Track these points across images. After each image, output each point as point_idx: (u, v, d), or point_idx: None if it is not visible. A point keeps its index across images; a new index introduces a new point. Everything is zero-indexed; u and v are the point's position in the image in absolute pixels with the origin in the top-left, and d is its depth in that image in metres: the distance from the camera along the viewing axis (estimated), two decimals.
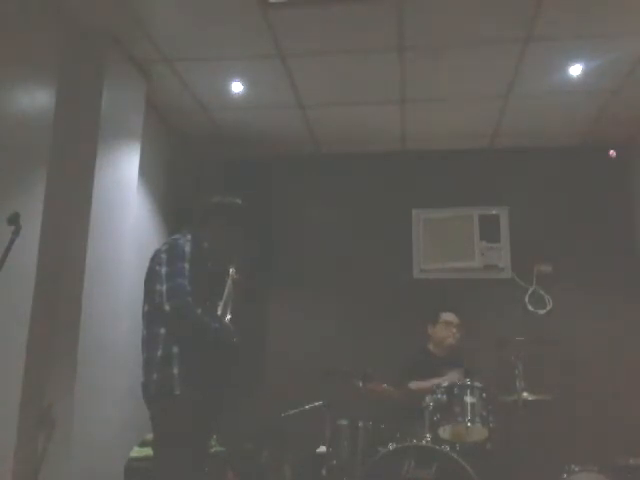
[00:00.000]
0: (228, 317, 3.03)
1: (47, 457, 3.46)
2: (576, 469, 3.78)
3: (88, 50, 3.97)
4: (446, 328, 4.51)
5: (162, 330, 2.89)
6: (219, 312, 3.01)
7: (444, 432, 3.76)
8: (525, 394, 3.83)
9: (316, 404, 4.11)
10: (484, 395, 3.80)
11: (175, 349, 2.86)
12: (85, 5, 3.78)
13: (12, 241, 2.46)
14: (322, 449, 4.00)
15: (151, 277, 2.99)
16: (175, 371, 2.83)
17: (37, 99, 3.60)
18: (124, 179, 4.23)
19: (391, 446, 3.65)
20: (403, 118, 5.18)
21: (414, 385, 4.15)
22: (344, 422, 3.96)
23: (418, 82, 4.62)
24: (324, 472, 3.90)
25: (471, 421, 3.71)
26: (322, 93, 4.82)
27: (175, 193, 5.36)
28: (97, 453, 3.69)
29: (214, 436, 4.31)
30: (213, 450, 4.33)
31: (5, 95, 3.34)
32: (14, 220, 2.46)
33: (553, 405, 4.02)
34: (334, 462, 3.89)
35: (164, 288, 2.87)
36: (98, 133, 3.91)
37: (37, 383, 3.45)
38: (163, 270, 2.92)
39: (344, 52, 4.27)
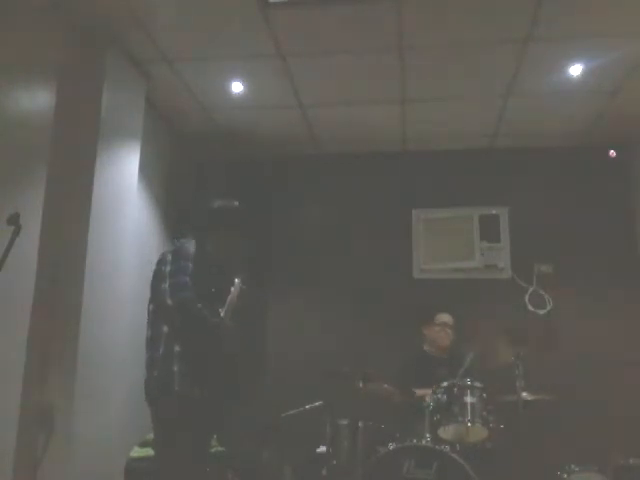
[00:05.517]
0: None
1: (47, 457, 3.46)
2: (576, 469, 3.78)
3: (88, 50, 3.96)
4: (441, 329, 4.52)
5: (165, 329, 2.96)
6: (222, 314, 3.04)
7: (444, 432, 3.76)
8: (525, 394, 3.83)
9: (316, 404, 4.11)
10: (484, 395, 3.80)
11: (177, 347, 2.92)
12: (85, 5, 3.78)
13: (12, 241, 2.46)
14: (322, 449, 4.00)
15: (157, 277, 3.06)
16: (175, 368, 2.89)
17: (37, 99, 3.60)
18: (124, 179, 4.23)
19: (391, 446, 3.65)
20: (403, 118, 5.18)
21: (419, 392, 4.14)
22: (344, 422, 3.96)
23: (418, 82, 4.62)
24: (324, 472, 3.90)
25: (471, 421, 3.71)
26: (322, 93, 4.82)
27: (175, 193, 5.36)
28: (97, 453, 3.69)
29: (214, 436, 4.32)
30: (213, 450, 4.34)
31: (5, 95, 3.34)
32: (14, 220, 2.46)
33: (553, 405, 4.02)
34: (334, 462, 3.89)
35: (167, 285, 2.94)
36: (98, 133, 3.91)
37: (37, 383, 3.45)
38: (167, 269, 3.00)
39: (344, 52, 4.27)
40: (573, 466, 3.80)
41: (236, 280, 3.16)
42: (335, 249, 5.56)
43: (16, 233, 2.46)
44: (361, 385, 3.86)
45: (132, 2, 3.77)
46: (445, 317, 4.57)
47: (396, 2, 3.76)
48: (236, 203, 3.31)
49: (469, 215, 5.53)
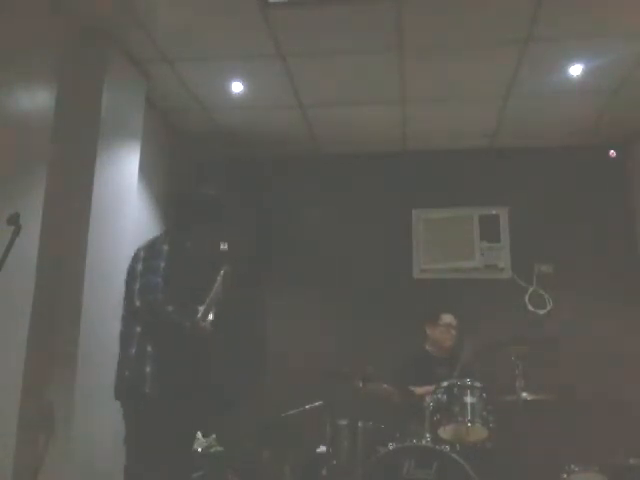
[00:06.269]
0: (210, 318, 2.93)
1: (47, 457, 3.46)
2: (576, 469, 3.78)
3: (88, 50, 3.97)
4: (446, 330, 4.52)
5: (138, 329, 2.86)
6: (199, 313, 2.90)
7: (444, 432, 3.76)
8: (525, 394, 3.83)
9: (316, 404, 4.11)
10: (484, 395, 3.79)
11: (149, 348, 2.82)
12: (85, 5, 3.78)
13: (12, 241, 2.45)
14: (322, 449, 4.00)
15: (130, 275, 2.95)
16: (147, 370, 2.79)
17: (37, 99, 3.59)
18: (124, 179, 4.23)
19: (391, 446, 3.65)
20: (403, 118, 5.18)
21: (419, 390, 4.14)
22: (344, 422, 3.96)
23: (418, 82, 4.62)
24: (324, 472, 3.90)
25: (471, 421, 3.71)
26: (322, 93, 4.82)
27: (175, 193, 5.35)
28: (97, 453, 3.69)
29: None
30: (213, 450, 4.34)
31: (5, 95, 3.34)
32: (14, 220, 2.46)
33: (553, 405, 4.02)
34: (334, 462, 3.89)
35: (137, 285, 2.84)
36: (98, 133, 3.91)
37: (37, 383, 3.45)
38: (139, 267, 2.90)
39: (344, 52, 4.27)
40: (573, 466, 3.79)
41: (222, 271, 3.03)
42: (335, 249, 5.56)
43: (16, 233, 2.46)
44: (361, 385, 3.86)
45: (132, 2, 3.77)
46: (449, 318, 4.56)
47: (396, 2, 3.76)
48: (212, 193, 3.17)
49: (469, 215, 5.53)
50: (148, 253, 2.94)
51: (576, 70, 4.41)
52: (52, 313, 3.58)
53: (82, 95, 3.88)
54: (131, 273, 2.94)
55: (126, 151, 4.26)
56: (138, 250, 3.02)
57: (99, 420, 3.74)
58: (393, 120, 5.22)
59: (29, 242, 3.32)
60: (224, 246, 3.12)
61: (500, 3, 3.76)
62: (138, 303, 2.81)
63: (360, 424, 3.80)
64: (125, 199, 4.22)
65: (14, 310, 3.31)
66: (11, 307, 3.27)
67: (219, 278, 3.02)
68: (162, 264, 2.84)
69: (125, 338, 2.91)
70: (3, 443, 3.19)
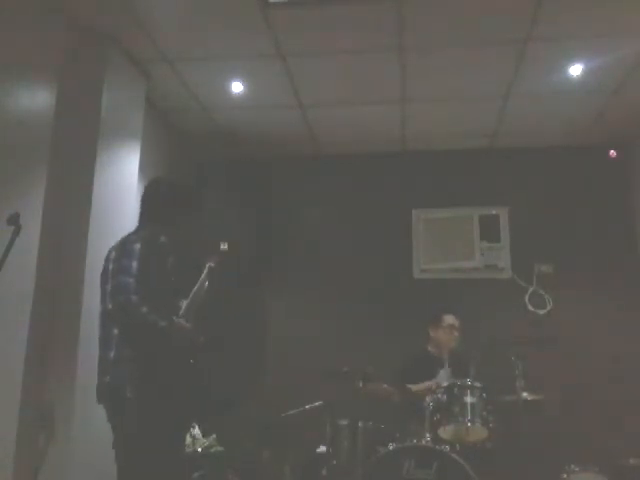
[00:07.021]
0: (192, 313, 2.83)
1: (47, 457, 3.46)
2: (576, 469, 3.78)
3: (88, 50, 3.96)
4: (449, 331, 4.50)
5: (115, 331, 2.79)
6: (182, 311, 2.81)
7: (444, 432, 3.76)
8: (525, 394, 3.83)
9: (316, 404, 4.11)
10: (484, 395, 3.79)
11: (128, 351, 2.75)
12: (85, 5, 3.78)
13: (12, 241, 2.45)
14: (322, 449, 4.00)
15: (102, 276, 2.89)
16: (127, 373, 2.72)
17: (37, 99, 3.60)
18: (124, 179, 4.23)
19: (391, 446, 3.65)
20: (403, 118, 5.18)
21: (415, 388, 4.15)
22: (344, 422, 3.96)
23: (418, 82, 4.62)
24: (324, 472, 3.90)
25: (471, 421, 3.71)
26: (322, 93, 4.82)
27: None
28: (97, 453, 3.68)
29: (209, 437, 4.31)
30: (213, 450, 4.34)
31: (5, 95, 3.34)
32: (14, 220, 2.46)
33: (553, 405, 4.02)
34: (334, 462, 3.89)
35: (109, 287, 2.78)
36: (98, 133, 3.91)
37: (37, 383, 3.45)
38: (110, 267, 2.82)
39: (344, 52, 4.27)
40: (573, 466, 3.80)
41: (207, 265, 2.94)
42: (335, 249, 5.56)
43: (16, 233, 2.46)
44: (361, 385, 3.86)
45: (132, 2, 3.77)
46: (451, 319, 4.53)
47: (396, 2, 3.76)
48: (184, 185, 3.08)
49: (469, 215, 5.53)
50: (119, 253, 2.83)
51: (576, 70, 4.41)
52: (52, 313, 3.58)
53: (82, 95, 3.88)
54: (103, 275, 2.87)
55: (126, 151, 4.26)
56: (109, 251, 2.93)
57: (99, 420, 3.73)
58: (393, 120, 5.22)
59: (29, 242, 3.32)
60: (224, 246, 3.10)
61: (500, 3, 3.76)
62: (110, 305, 2.74)
63: (360, 424, 3.80)
64: (125, 199, 4.22)
65: (14, 310, 3.31)
66: (11, 307, 3.28)
67: (204, 272, 2.92)
68: (134, 263, 2.72)
69: (103, 342, 2.85)
70: (3, 443, 3.19)
